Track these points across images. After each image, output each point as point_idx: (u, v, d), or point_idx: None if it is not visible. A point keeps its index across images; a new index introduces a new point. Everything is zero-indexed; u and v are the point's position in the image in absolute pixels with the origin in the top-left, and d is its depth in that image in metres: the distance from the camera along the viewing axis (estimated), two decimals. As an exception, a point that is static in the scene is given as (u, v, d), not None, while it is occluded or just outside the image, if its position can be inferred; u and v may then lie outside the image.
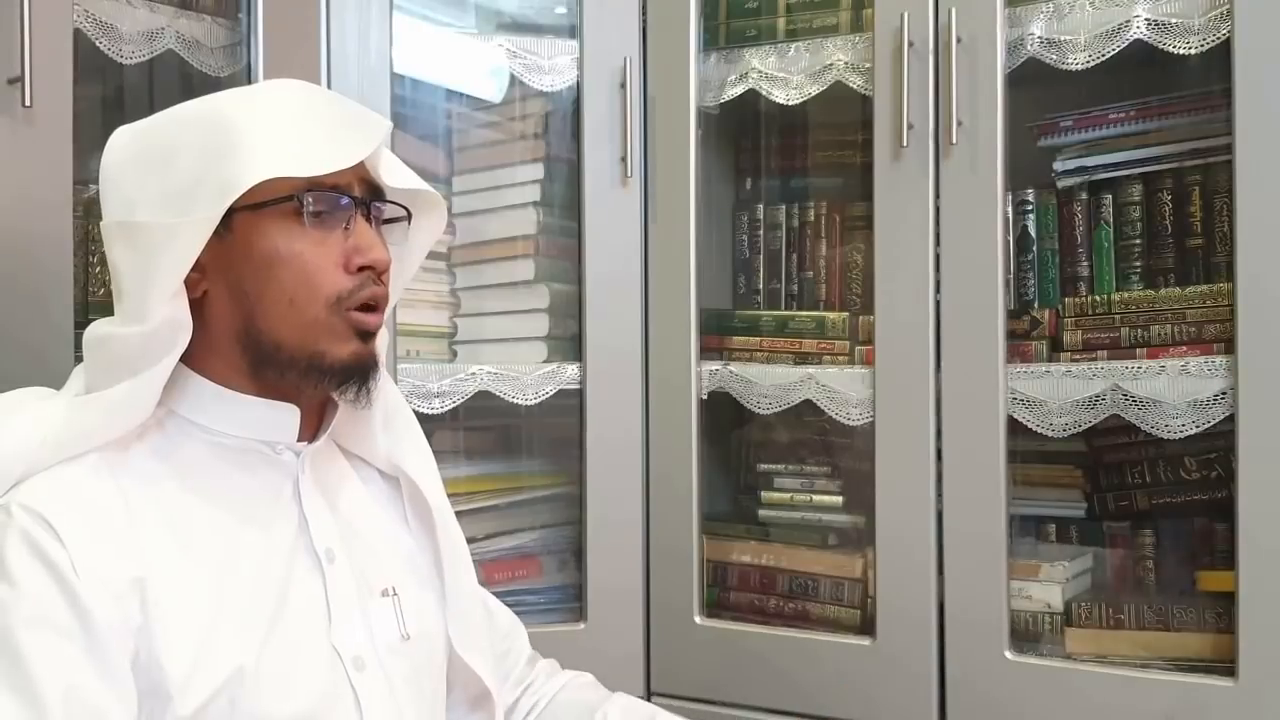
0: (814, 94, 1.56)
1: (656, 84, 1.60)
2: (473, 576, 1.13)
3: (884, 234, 1.46)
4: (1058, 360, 1.42)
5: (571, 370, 1.60)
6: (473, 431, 1.69)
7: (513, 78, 1.64)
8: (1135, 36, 1.35)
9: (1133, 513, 1.49)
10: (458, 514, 1.14)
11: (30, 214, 1.17)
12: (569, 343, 1.63)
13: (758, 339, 1.61)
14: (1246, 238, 1.27)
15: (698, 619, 1.58)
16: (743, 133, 1.78)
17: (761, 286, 1.69)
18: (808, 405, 1.55)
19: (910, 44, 1.42)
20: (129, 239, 0.93)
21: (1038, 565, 1.44)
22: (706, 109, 1.64)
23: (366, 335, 0.98)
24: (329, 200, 0.95)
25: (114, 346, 0.93)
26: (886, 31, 1.45)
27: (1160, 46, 1.35)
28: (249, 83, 1.39)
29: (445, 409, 1.55)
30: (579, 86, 1.60)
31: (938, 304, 1.43)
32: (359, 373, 0.97)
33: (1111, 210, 1.44)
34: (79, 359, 0.98)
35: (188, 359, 0.95)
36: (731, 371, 1.60)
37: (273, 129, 0.93)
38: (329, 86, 1.45)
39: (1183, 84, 1.41)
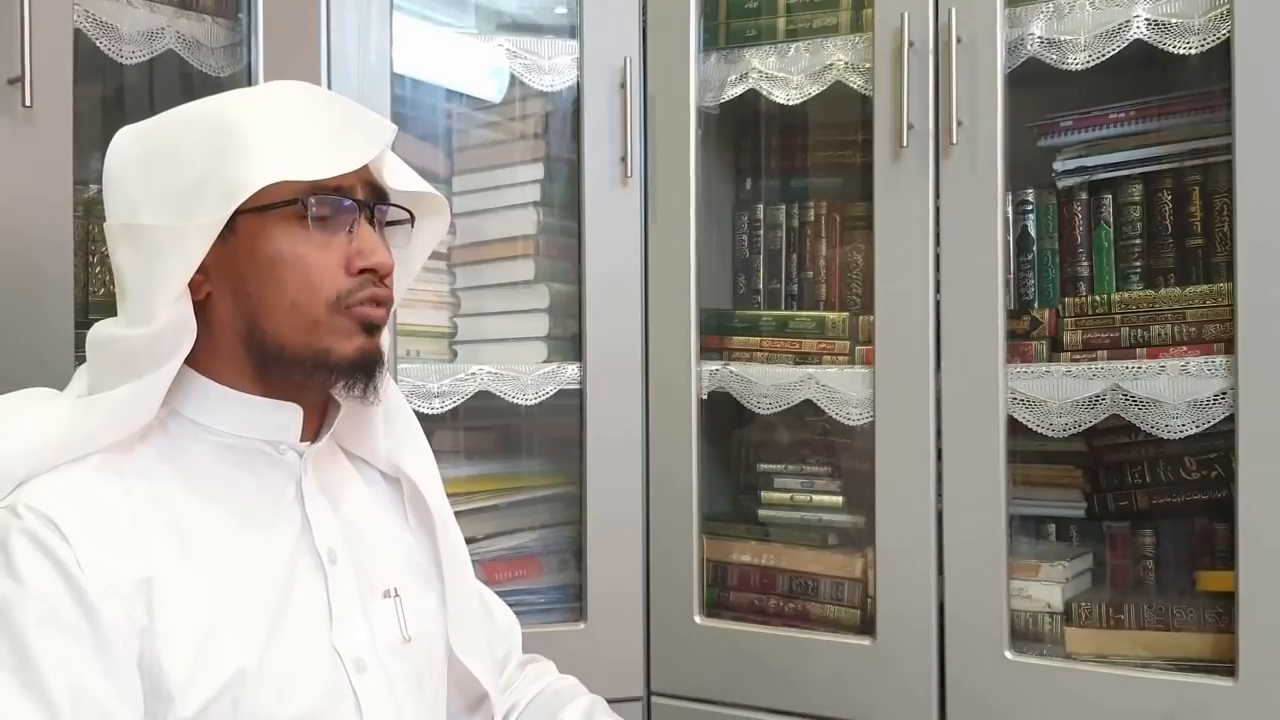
0: (814, 94, 1.56)
1: (656, 84, 1.60)
2: (472, 578, 1.13)
3: (884, 234, 1.46)
4: (1058, 360, 1.42)
5: (571, 370, 1.60)
6: (473, 431, 1.69)
7: (513, 78, 1.64)
8: (1135, 36, 1.35)
9: (1133, 513, 1.49)
10: (457, 514, 1.14)
11: (30, 214, 1.17)
12: (569, 343, 1.63)
13: (758, 339, 1.61)
14: (1246, 238, 1.27)
15: (698, 619, 1.58)
16: (743, 133, 1.78)
17: (761, 286, 1.69)
18: (808, 405, 1.55)
19: (910, 44, 1.42)
20: (133, 241, 0.93)
21: (1038, 565, 1.44)
22: (706, 109, 1.64)
23: (371, 329, 0.97)
24: (332, 203, 0.95)
25: (118, 348, 0.93)
26: (886, 31, 1.45)
27: (1160, 46, 1.35)
28: (249, 83, 1.40)
29: (445, 409, 1.55)
30: (579, 86, 1.60)
31: (938, 304, 1.43)
32: (364, 368, 0.97)
33: (1111, 210, 1.44)
34: (80, 359, 0.98)
35: (191, 359, 0.95)
36: (731, 371, 1.60)
37: (278, 132, 0.93)
38: (329, 87, 1.45)
39: (1183, 84, 1.41)
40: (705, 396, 1.61)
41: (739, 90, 1.61)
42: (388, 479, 1.11)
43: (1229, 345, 1.30)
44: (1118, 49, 1.36)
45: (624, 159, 1.58)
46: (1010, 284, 1.45)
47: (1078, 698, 1.35)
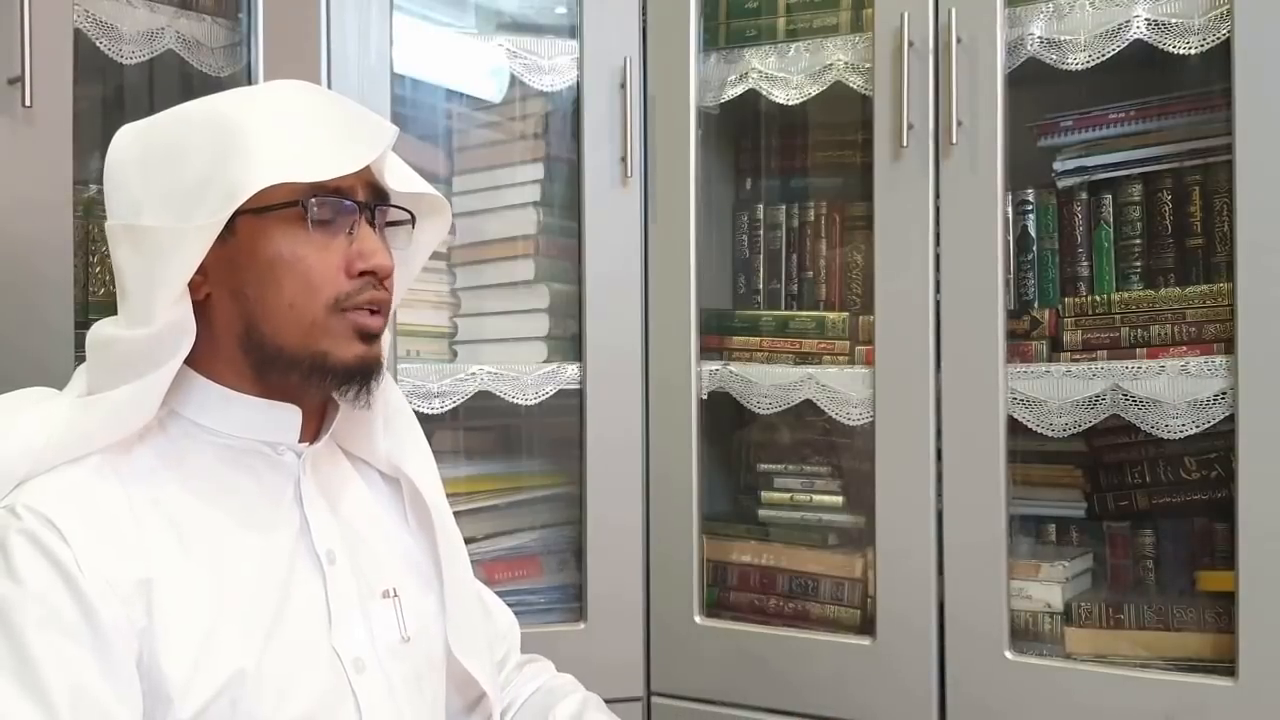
0: (814, 94, 1.56)
1: (656, 84, 1.60)
2: (471, 578, 1.13)
3: (884, 234, 1.46)
4: (1058, 360, 1.42)
5: (571, 370, 1.60)
6: (473, 431, 1.69)
7: (513, 78, 1.64)
8: (1135, 36, 1.35)
9: (1133, 513, 1.49)
10: (457, 514, 1.14)
11: (30, 214, 1.17)
12: (569, 343, 1.63)
13: (758, 339, 1.61)
14: (1246, 238, 1.27)
15: (698, 619, 1.58)
16: (743, 133, 1.78)
17: (761, 286, 1.69)
18: (808, 405, 1.55)
19: (910, 44, 1.42)
20: (134, 242, 0.93)
21: (1038, 565, 1.44)
22: (706, 109, 1.64)
23: (369, 337, 0.97)
24: (333, 205, 0.95)
25: (118, 349, 0.93)
26: (886, 31, 1.45)
27: (1160, 46, 1.35)
28: (249, 83, 1.39)
29: (445, 409, 1.55)
30: (579, 86, 1.60)
31: (938, 304, 1.43)
32: (361, 374, 0.97)
33: (1111, 210, 1.44)
34: (79, 359, 0.98)
35: (190, 360, 0.95)
36: (731, 371, 1.60)
37: (278, 132, 0.93)
38: (329, 86, 1.45)
39: (1182, 84, 1.41)
40: (705, 396, 1.60)
41: (739, 90, 1.61)
42: (387, 479, 1.11)
43: (1229, 345, 1.30)
44: (1118, 49, 1.36)
45: (624, 159, 1.58)
46: (1010, 284, 1.45)
47: (1078, 698, 1.35)
